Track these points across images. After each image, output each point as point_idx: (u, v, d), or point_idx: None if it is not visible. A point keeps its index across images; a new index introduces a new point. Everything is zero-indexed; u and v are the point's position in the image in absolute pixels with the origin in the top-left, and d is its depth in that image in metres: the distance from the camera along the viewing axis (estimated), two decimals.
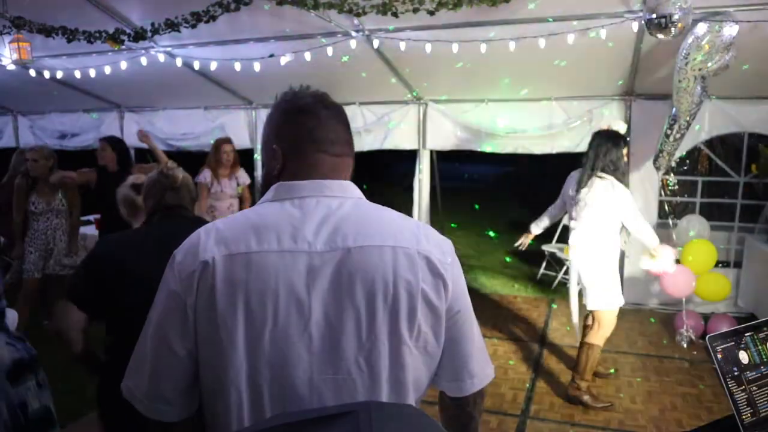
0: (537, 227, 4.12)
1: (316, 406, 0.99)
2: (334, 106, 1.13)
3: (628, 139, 3.70)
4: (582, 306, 3.66)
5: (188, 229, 1.15)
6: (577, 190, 3.53)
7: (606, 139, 3.51)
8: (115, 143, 4.77)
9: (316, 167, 1.09)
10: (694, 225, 4.77)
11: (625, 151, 3.53)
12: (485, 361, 1.17)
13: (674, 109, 3.93)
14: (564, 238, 5.90)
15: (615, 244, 3.48)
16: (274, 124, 1.13)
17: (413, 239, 1.05)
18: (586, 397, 3.48)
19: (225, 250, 1.01)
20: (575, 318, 3.81)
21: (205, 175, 4.91)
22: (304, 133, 1.09)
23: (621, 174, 3.44)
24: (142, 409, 1.06)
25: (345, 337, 1.00)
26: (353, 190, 1.11)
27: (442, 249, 1.08)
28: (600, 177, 3.41)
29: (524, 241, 4.17)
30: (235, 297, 0.99)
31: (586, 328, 3.64)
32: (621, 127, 3.65)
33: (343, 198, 1.08)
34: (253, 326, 0.99)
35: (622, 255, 4.98)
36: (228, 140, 5.14)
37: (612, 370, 3.98)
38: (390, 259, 1.02)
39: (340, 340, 1.00)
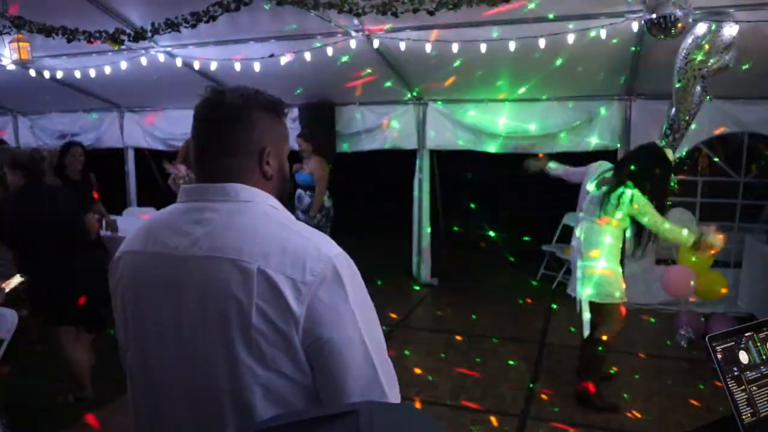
0: (553, 164, 4.00)
1: (175, 399, 1.03)
2: (219, 109, 1.07)
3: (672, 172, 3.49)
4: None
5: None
6: (598, 187, 3.44)
7: (653, 160, 3.37)
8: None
9: (202, 171, 1.10)
10: (677, 218, 4.78)
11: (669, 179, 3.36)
12: (373, 398, 1.00)
13: (674, 109, 3.93)
14: (564, 238, 5.91)
15: (618, 241, 3.43)
16: None
17: (261, 255, 0.96)
18: (595, 399, 3.47)
19: (126, 248, 1.13)
20: (587, 330, 3.54)
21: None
22: (194, 138, 1.11)
23: (658, 198, 3.30)
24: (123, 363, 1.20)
25: (182, 347, 1.00)
26: (237, 194, 1.05)
27: (303, 267, 0.96)
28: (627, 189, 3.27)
29: (537, 164, 4.05)
30: (120, 293, 1.11)
31: (594, 325, 3.54)
32: (669, 154, 3.50)
33: (220, 203, 1.05)
34: (130, 321, 1.09)
35: (623, 254, 4.98)
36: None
37: (612, 371, 3.96)
38: (225, 272, 0.97)
39: (181, 349, 1.01)
